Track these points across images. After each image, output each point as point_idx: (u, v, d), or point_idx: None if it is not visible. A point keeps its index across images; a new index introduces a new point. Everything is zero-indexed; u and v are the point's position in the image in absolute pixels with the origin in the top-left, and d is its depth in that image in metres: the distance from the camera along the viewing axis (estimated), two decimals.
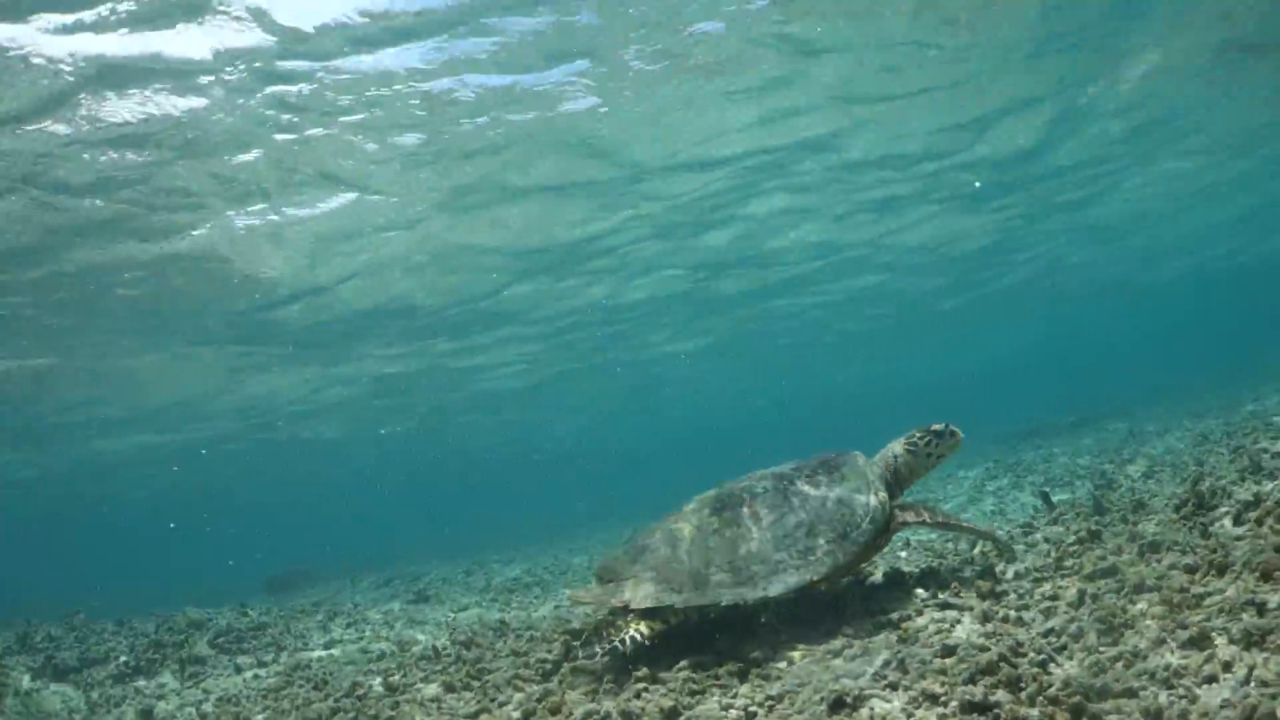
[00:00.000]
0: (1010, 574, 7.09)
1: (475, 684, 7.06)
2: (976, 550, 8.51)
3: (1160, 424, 21.37)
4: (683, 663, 6.27)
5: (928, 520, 7.11)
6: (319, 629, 12.90)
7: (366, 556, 31.91)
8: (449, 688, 7.06)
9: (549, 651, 7.40)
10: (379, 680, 8.08)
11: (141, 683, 10.06)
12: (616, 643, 6.21)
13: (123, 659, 10.60)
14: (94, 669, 10.66)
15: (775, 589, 6.42)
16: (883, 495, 7.05)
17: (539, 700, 6.01)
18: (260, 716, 7.65)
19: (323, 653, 11.09)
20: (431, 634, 11.60)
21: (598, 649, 6.16)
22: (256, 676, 9.90)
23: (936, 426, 7.50)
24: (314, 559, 30.24)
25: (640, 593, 6.50)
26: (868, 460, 7.40)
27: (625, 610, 6.49)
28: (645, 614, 6.43)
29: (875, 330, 45.33)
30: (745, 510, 6.80)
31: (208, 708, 8.50)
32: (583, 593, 7.03)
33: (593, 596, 6.81)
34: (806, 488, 6.92)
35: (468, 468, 66.39)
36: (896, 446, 7.55)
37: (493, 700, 6.36)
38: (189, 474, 42.55)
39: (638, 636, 6.27)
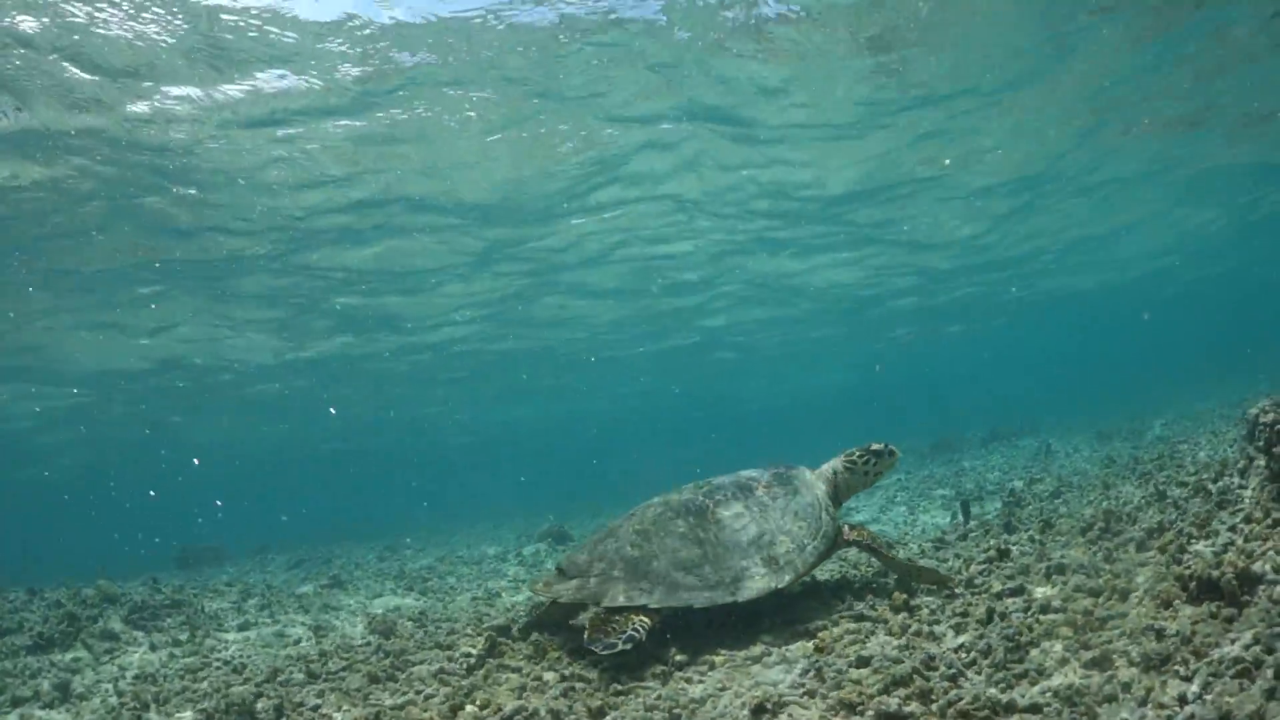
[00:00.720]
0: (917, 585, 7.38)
1: (400, 675, 7.14)
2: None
3: (1069, 443, 22.02)
4: (605, 664, 6.45)
5: (870, 545, 7.43)
6: (233, 610, 12.81)
7: (276, 536, 31.60)
8: (373, 678, 7.12)
9: (473, 646, 7.50)
10: (300, 667, 8.10)
11: (56, 655, 9.92)
12: (631, 632, 6.31)
13: (36, 630, 10.45)
14: (8, 639, 10.51)
15: (745, 594, 6.69)
16: (832, 510, 7.41)
17: (466, 695, 6.12)
18: (179, 697, 7.62)
19: (238, 635, 11.03)
20: (348, 621, 11.61)
21: (616, 640, 6.25)
22: (172, 655, 9.82)
23: (876, 446, 7.87)
24: (223, 536, 29.86)
25: (613, 590, 6.70)
26: (814, 475, 7.69)
27: (597, 606, 6.69)
28: (627, 610, 6.59)
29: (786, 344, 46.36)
30: (711, 516, 7.10)
31: (124, 684, 8.44)
32: (544, 585, 7.18)
33: (555, 591, 6.98)
34: (765, 498, 7.25)
35: (377, 456, 65.90)
36: (837, 463, 7.90)
37: (419, 693, 6.44)
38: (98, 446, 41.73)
39: (644, 627, 6.41)
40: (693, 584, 6.69)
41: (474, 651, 7.31)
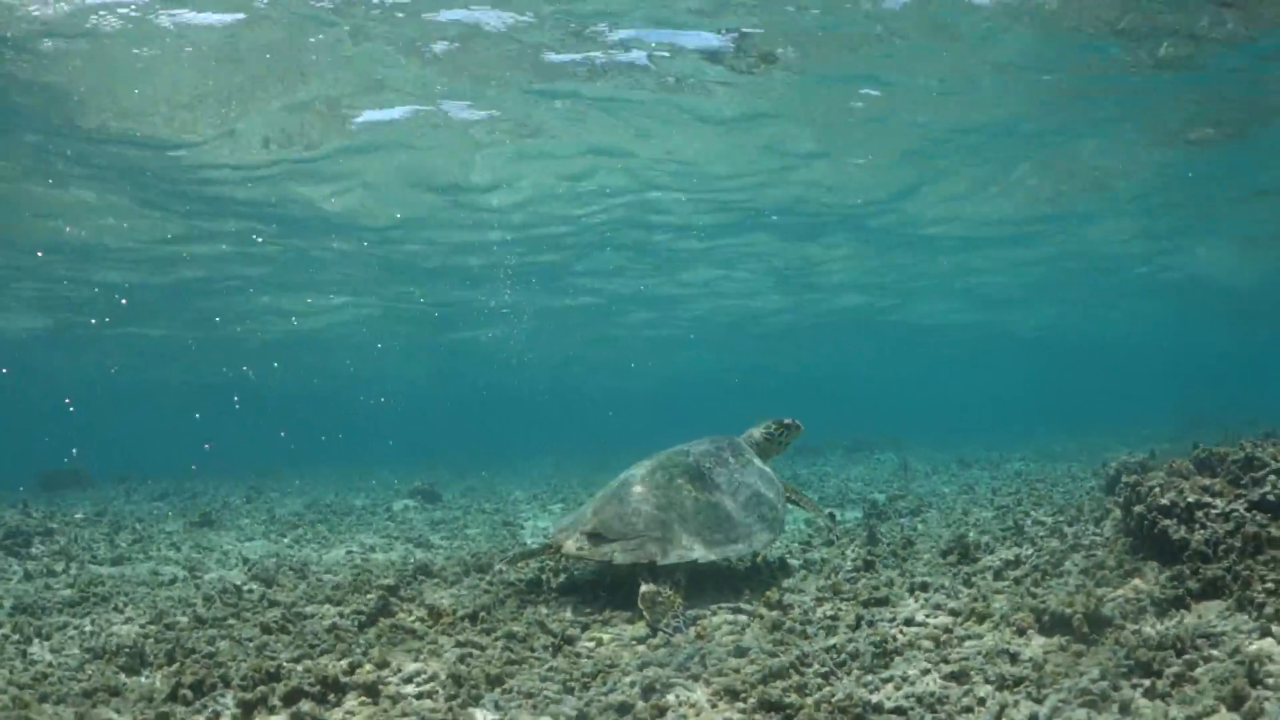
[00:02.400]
0: (788, 585, 7.91)
1: (293, 628, 7.29)
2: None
3: (929, 464, 22.99)
4: (498, 633, 6.77)
5: (799, 498, 8.77)
6: (105, 541, 12.71)
7: (138, 464, 30.94)
8: (265, 629, 7.24)
9: (364, 604, 7.70)
10: (184, 610, 8.20)
11: None
12: (678, 622, 6.85)
13: None
14: None
15: (756, 546, 7.78)
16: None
17: (363, 653, 6.36)
18: (61, 633, 7.67)
19: (112, 569, 10.99)
20: (222, 563, 11.64)
21: (675, 624, 6.84)
22: (49, 586, 9.79)
23: (787, 420, 9.00)
24: (84, 458, 29.24)
25: (660, 549, 7.33)
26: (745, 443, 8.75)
27: (650, 565, 7.26)
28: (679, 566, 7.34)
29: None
30: (710, 480, 7.93)
31: (2, 615, 8.42)
32: (578, 548, 7.53)
33: (603, 553, 7.42)
34: (737, 465, 8.20)
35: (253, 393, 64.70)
36: (756, 433, 8.99)
37: (313, 648, 6.60)
38: None
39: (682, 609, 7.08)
40: (720, 540, 7.51)
41: (365, 610, 7.52)
